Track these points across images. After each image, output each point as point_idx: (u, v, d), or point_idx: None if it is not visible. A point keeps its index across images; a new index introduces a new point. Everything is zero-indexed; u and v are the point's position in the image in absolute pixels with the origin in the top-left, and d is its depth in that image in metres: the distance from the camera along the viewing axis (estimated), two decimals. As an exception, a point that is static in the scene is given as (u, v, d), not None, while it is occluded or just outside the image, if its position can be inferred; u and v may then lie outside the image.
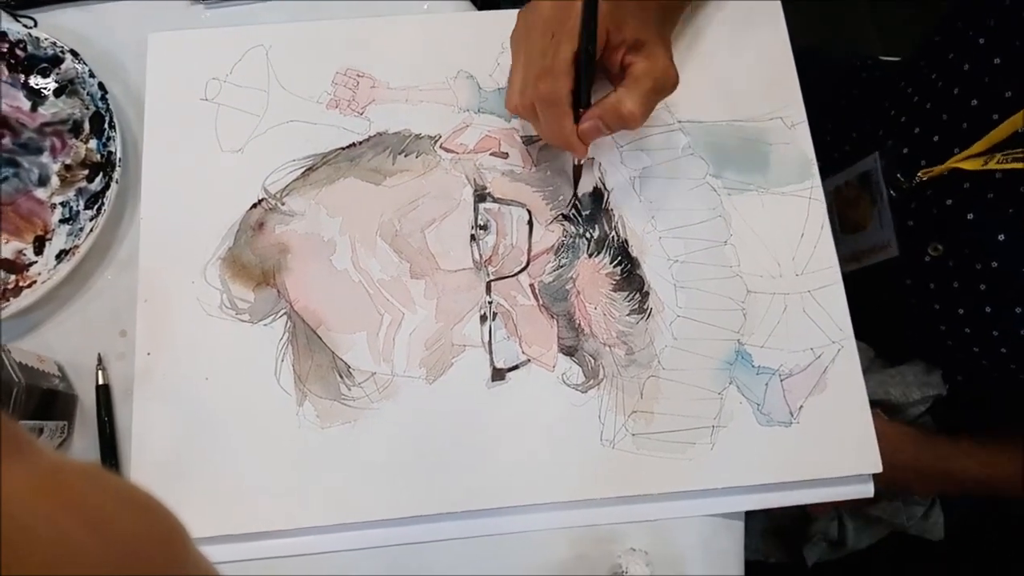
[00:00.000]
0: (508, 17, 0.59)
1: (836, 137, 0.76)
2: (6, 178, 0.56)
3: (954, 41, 0.59)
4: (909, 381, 0.67)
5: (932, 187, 0.59)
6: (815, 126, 0.56)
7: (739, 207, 0.54)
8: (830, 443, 0.50)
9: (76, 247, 0.53)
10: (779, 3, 0.60)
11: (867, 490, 0.50)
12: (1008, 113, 0.53)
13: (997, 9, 0.55)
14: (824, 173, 0.56)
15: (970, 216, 0.56)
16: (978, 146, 0.54)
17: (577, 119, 0.48)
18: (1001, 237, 0.54)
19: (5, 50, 0.56)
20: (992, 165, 0.52)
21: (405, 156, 0.55)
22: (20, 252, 0.54)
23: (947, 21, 0.61)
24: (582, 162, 0.52)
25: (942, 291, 0.60)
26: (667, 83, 0.48)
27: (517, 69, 0.49)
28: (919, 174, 0.59)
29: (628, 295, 0.53)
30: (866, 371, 0.69)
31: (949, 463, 0.65)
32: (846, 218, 0.69)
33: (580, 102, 0.47)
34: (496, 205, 0.54)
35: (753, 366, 0.51)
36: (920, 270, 0.61)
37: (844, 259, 0.55)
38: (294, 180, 0.54)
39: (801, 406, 0.51)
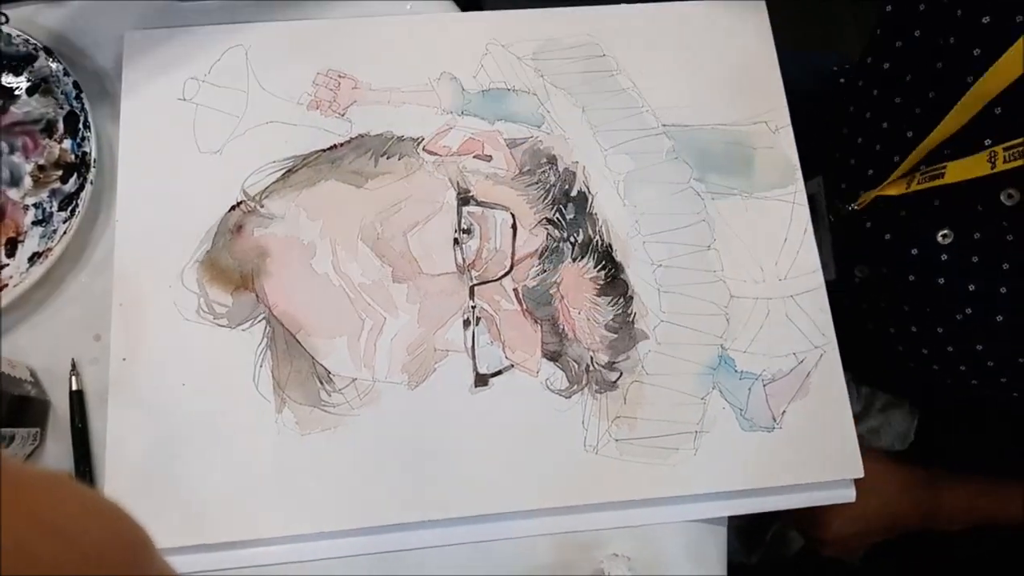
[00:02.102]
0: (492, 18, 0.59)
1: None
2: (-23, 178, 0.54)
3: (875, 71, 0.60)
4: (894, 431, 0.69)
5: (862, 213, 0.60)
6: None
7: (723, 211, 0.54)
8: (812, 448, 0.50)
9: (49, 249, 0.51)
10: (764, 6, 0.60)
11: (849, 495, 0.51)
12: (922, 129, 0.54)
13: (909, 38, 0.56)
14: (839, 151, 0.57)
15: (887, 236, 0.57)
16: (900, 170, 0.55)
17: None
18: (914, 251, 0.55)
19: (-24, 47, 0.55)
20: (914, 187, 0.54)
21: (387, 158, 0.54)
22: (-9, 254, 0.53)
23: (869, 47, 0.62)
24: None
25: (872, 311, 0.62)
26: None
27: None
28: (854, 205, 0.60)
29: (612, 300, 0.52)
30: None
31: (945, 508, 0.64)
32: None
33: None
34: (479, 208, 0.53)
35: (736, 371, 0.51)
36: (852, 291, 0.62)
37: None
38: (274, 182, 0.53)
39: (784, 411, 0.51)
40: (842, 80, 0.78)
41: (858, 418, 0.71)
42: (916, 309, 0.57)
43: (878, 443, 0.72)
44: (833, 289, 0.54)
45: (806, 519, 0.66)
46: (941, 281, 0.54)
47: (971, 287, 0.52)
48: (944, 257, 0.54)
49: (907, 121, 0.56)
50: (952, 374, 0.59)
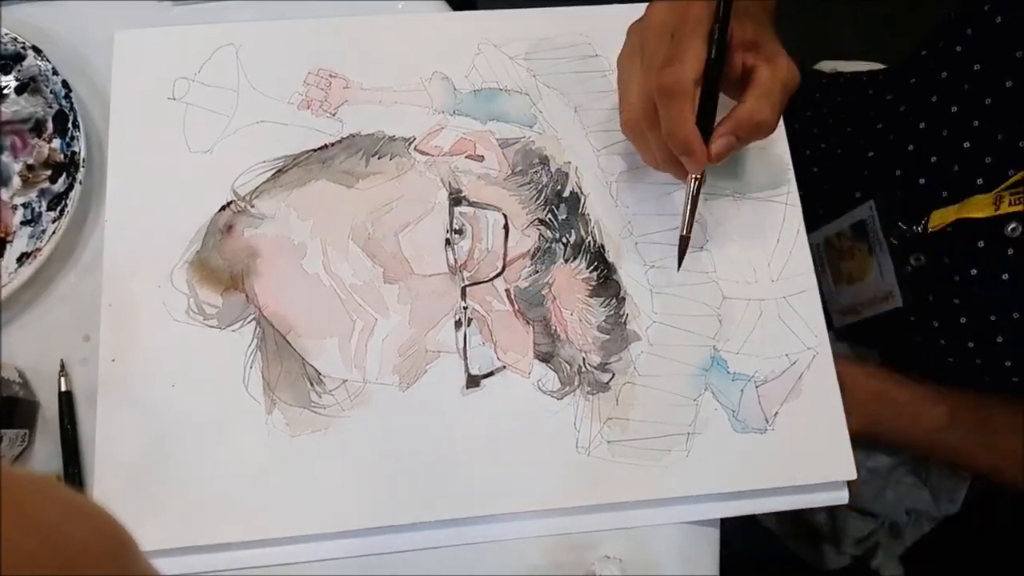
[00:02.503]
0: (484, 18, 0.58)
1: (821, 181, 0.72)
2: (-35, 178, 0.54)
3: (937, 82, 0.57)
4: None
5: (931, 240, 0.57)
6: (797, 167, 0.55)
7: (715, 212, 0.54)
8: (805, 450, 0.50)
9: (38, 250, 0.51)
10: (756, 7, 0.60)
11: (842, 496, 0.50)
12: (1003, 152, 0.52)
13: (981, 50, 0.54)
14: (811, 226, 0.54)
15: (948, 228, 0.54)
16: (986, 196, 0.52)
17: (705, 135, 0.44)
18: (980, 243, 0.53)
19: (-36, 46, 0.55)
20: (1004, 209, 0.51)
21: (378, 158, 0.54)
22: (-21, 255, 0.53)
23: (924, 59, 0.59)
24: (697, 178, 0.47)
25: (919, 304, 0.59)
26: (794, 85, 0.45)
27: (633, 78, 0.46)
28: (932, 226, 0.56)
29: (604, 300, 0.52)
30: None
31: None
32: (839, 270, 0.66)
33: (705, 112, 0.44)
34: (471, 209, 0.53)
35: (728, 372, 0.51)
36: (923, 314, 0.59)
37: (841, 311, 0.53)
38: (264, 182, 0.53)
39: (776, 413, 0.50)
40: (821, 86, 0.76)
41: None
42: (971, 303, 0.54)
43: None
44: (899, 315, 0.50)
45: None
46: (1005, 277, 0.52)
47: None
48: (1011, 251, 0.52)
49: (989, 144, 0.53)
50: (993, 370, 0.56)
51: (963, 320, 0.56)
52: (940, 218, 0.55)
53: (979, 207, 0.52)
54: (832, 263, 0.67)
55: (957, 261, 0.55)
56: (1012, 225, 0.51)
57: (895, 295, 0.57)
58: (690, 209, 0.48)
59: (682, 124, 0.44)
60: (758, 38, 0.45)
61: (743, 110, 0.45)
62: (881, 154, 0.64)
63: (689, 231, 0.49)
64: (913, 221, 0.57)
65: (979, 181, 0.54)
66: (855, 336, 0.52)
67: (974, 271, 0.54)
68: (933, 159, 0.58)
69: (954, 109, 0.56)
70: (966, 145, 0.55)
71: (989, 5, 0.53)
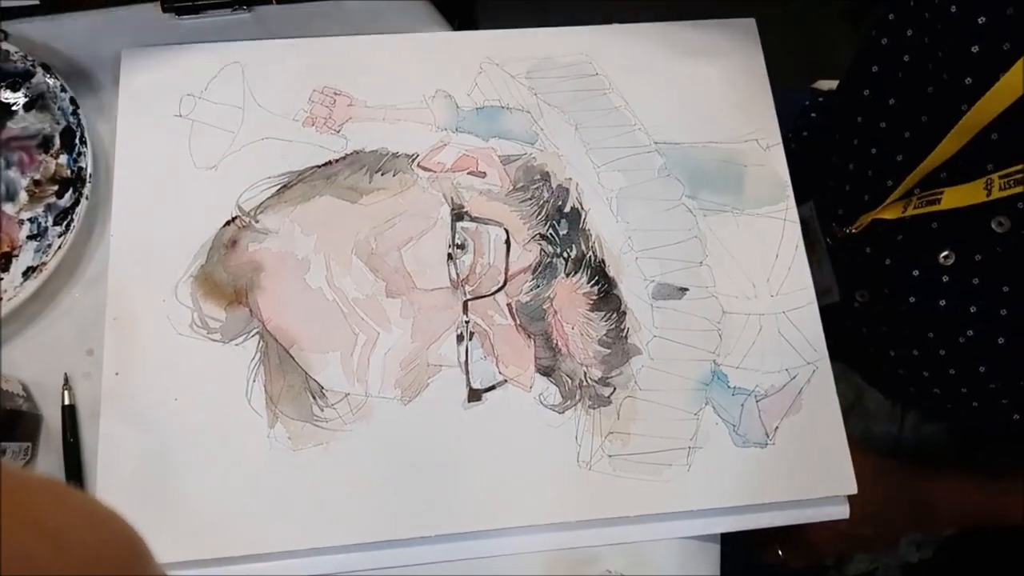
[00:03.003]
0: (486, 37, 0.59)
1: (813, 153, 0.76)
2: (-28, 193, 0.54)
3: (857, 97, 0.60)
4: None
5: (860, 237, 0.60)
6: None
7: (714, 228, 0.55)
8: (806, 464, 0.50)
9: (44, 264, 0.52)
10: (755, 26, 0.61)
11: (842, 511, 0.51)
12: (912, 157, 0.54)
13: (884, 60, 0.56)
14: (811, 184, 0.56)
15: (887, 261, 0.57)
16: (895, 194, 0.55)
17: None
18: (916, 272, 0.55)
19: (-26, 63, 0.56)
20: (910, 211, 0.53)
21: (382, 174, 0.55)
22: (-15, 269, 0.53)
23: (851, 74, 0.62)
24: None
25: (874, 335, 0.62)
26: None
27: None
28: (849, 228, 0.60)
29: (605, 315, 0.52)
30: (861, 398, 0.70)
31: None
32: None
33: None
34: (473, 224, 0.54)
35: (729, 387, 0.51)
36: (853, 315, 0.62)
37: None
38: (269, 198, 0.53)
39: (777, 427, 0.51)
40: (819, 105, 0.78)
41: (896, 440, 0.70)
42: (917, 332, 0.57)
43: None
44: (837, 313, 0.53)
45: (774, 535, 0.65)
46: (943, 303, 0.54)
47: (972, 309, 0.52)
48: (945, 279, 0.53)
49: (897, 146, 0.56)
50: (953, 398, 0.59)
51: (884, 328, 0.59)
52: (862, 219, 0.58)
53: (892, 210, 0.55)
54: None
55: (895, 290, 0.57)
56: (944, 253, 0.53)
57: (833, 290, 0.60)
58: None
59: None
60: None
61: None
62: (830, 162, 0.66)
63: None
64: (845, 224, 0.60)
65: (888, 182, 0.56)
66: None
67: (912, 299, 0.56)
68: (851, 167, 0.61)
69: (873, 151, 0.59)
70: (873, 152, 0.58)
71: (887, 40, 0.55)
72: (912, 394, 0.62)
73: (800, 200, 0.57)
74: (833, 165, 0.64)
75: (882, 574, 0.73)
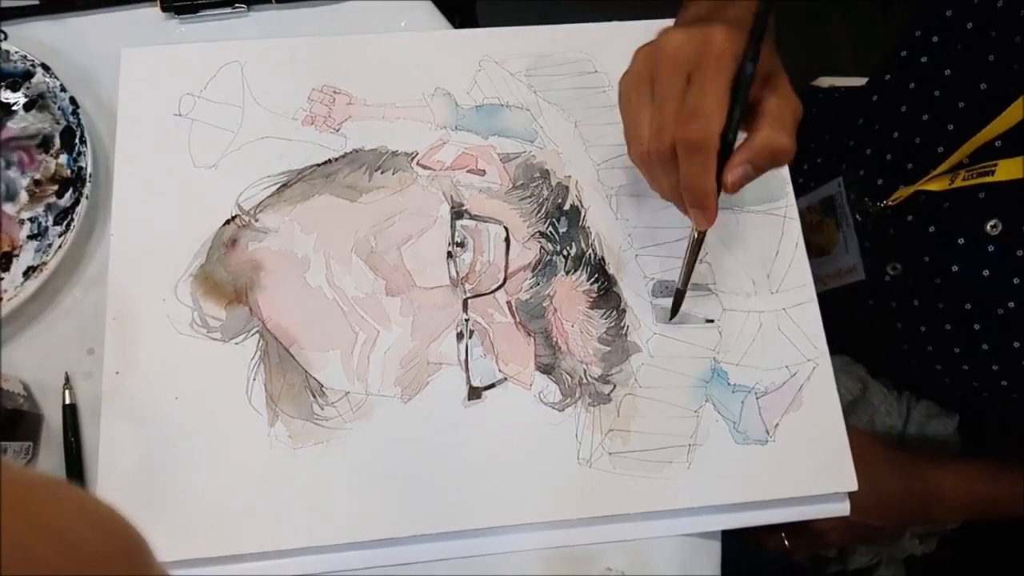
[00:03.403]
0: (485, 35, 0.59)
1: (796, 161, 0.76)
2: (-27, 193, 0.55)
3: (907, 66, 0.59)
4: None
5: (894, 209, 0.59)
6: None
7: (715, 225, 0.54)
8: (806, 461, 0.50)
9: (44, 264, 0.52)
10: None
11: (843, 508, 0.50)
12: (964, 126, 0.53)
13: (945, 29, 0.56)
14: (809, 176, 0.55)
15: (931, 229, 0.57)
16: (947, 164, 0.54)
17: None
18: (960, 241, 0.54)
19: (-26, 63, 0.56)
20: (959, 183, 0.52)
21: (381, 173, 0.55)
22: (-14, 268, 0.53)
23: (901, 46, 0.61)
24: (701, 232, 0.46)
25: (903, 310, 0.61)
26: (800, 113, 0.43)
27: (643, 110, 0.42)
28: (889, 200, 0.58)
29: (605, 312, 0.52)
30: (865, 391, 0.70)
31: (940, 483, 0.62)
32: (809, 242, 0.68)
33: (725, 147, 0.41)
34: (473, 222, 0.54)
35: (729, 384, 0.51)
36: (882, 290, 0.61)
37: None
38: (268, 196, 0.53)
39: (777, 424, 0.51)
40: (818, 101, 0.78)
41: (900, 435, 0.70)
42: (954, 304, 0.56)
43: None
44: (859, 293, 0.52)
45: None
46: (986, 273, 0.53)
47: (1016, 280, 0.52)
48: (991, 248, 0.53)
49: (950, 114, 0.55)
50: (982, 376, 0.58)
51: (916, 303, 0.58)
52: (901, 192, 0.57)
53: (936, 182, 0.54)
54: (804, 235, 0.68)
55: (937, 257, 0.56)
56: (992, 222, 0.52)
57: (858, 268, 0.59)
58: (688, 262, 0.47)
59: (704, 179, 0.41)
60: (770, 71, 0.43)
61: (759, 139, 0.42)
62: (852, 144, 0.66)
63: (685, 285, 0.48)
64: (878, 198, 0.59)
65: (940, 149, 0.55)
66: (822, 307, 0.54)
67: (955, 267, 0.55)
68: (895, 135, 0.60)
69: (925, 117, 0.58)
70: (924, 118, 0.57)
71: (952, 11, 0.55)
72: (929, 378, 0.61)
73: (826, 178, 0.55)
74: (874, 134, 0.62)
75: (884, 567, 0.73)
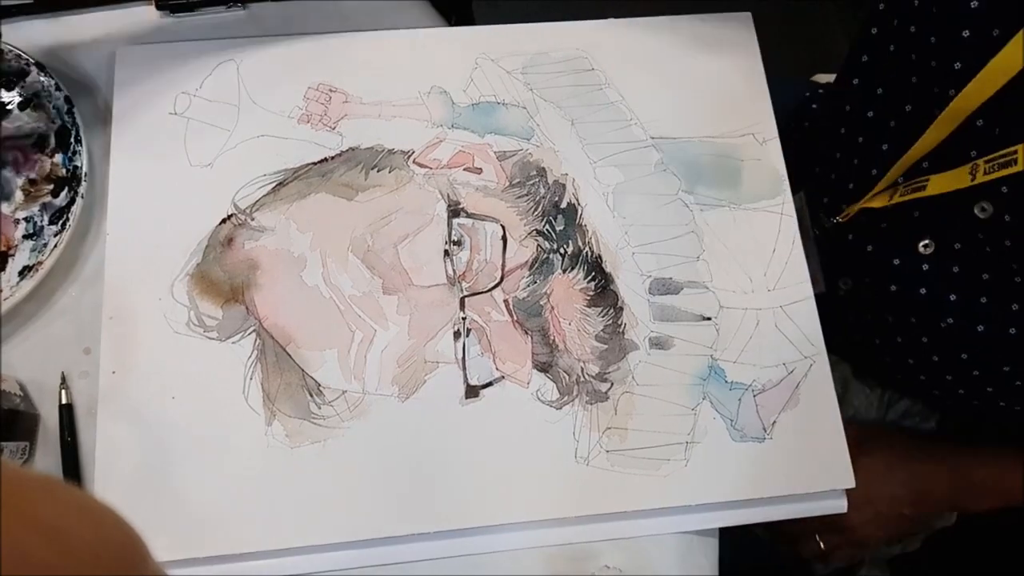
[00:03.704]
0: (482, 33, 0.59)
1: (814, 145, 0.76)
2: (-32, 193, 0.54)
3: (846, 86, 0.60)
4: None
5: (844, 225, 0.60)
6: None
7: (711, 223, 0.55)
8: (803, 458, 0.50)
9: (40, 263, 0.51)
10: (751, 20, 0.60)
11: (840, 505, 0.51)
12: (896, 147, 0.54)
13: (873, 48, 0.57)
14: (808, 175, 0.56)
15: (869, 248, 0.58)
16: (882, 183, 0.55)
17: None
18: (896, 262, 0.55)
19: (-32, 62, 0.55)
20: (896, 199, 0.54)
21: (378, 171, 0.54)
22: (-19, 268, 0.53)
23: (843, 64, 0.62)
24: None
25: (858, 323, 0.62)
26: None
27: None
28: (837, 217, 0.60)
29: (602, 311, 0.52)
30: (847, 390, 0.70)
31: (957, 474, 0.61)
32: None
33: None
34: (470, 220, 0.54)
35: (726, 382, 0.51)
36: (836, 303, 0.62)
37: None
38: (264, 195, 0.53)
39: (774, 421, 0.51)
40: (819, 96, 0.78)
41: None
42: (900, 319, 0.57)
43: None
44: (821, 303, 0.54)
45: (808, 523, 0.64)
46: (923, 291, 0.54)
47: (952, 297, 0.53)
48: (925, 267, 0.54)
49: (882, 135, 0.56)
50: (940, 384, 0.59)
51: (868, 317, 0.60)
52: (848, 209, 0.59)
53: (878, 199, 0.55)
54: None
55: (876, 278, 0.58)
56: (924, 242, 0.54)
57: (819, 281, 0.60)
58: None
59: None
60: None
61: None
62: (820, 152, 0.66)
63: None
64: (831, 214, 0.61)
65: (873, 171, 0.56)
66: None
67: (893, 287, 0.56)
68: (838, 156, 0.61)
69: (860, 139, 0.59)
70: (860, 140, 0.58)
71: (899, 20, 0.55)
72: (901, 382, 0.62)
73: (792, 191, 0.57)
74: (822, 155, 0.65)
75: (868, 567, 0.73)
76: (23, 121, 0.56)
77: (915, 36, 0.52)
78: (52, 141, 0.55)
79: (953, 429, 0.70)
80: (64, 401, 0.51)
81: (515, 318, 0.52)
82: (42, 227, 0.54)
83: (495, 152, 0.56)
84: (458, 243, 0.53)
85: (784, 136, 0.57)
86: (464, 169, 0.55)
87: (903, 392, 0.69)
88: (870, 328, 0.61)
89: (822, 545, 0.65)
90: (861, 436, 0.54)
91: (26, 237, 0.54)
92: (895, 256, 0.55)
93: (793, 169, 0.57)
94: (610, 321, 0.52)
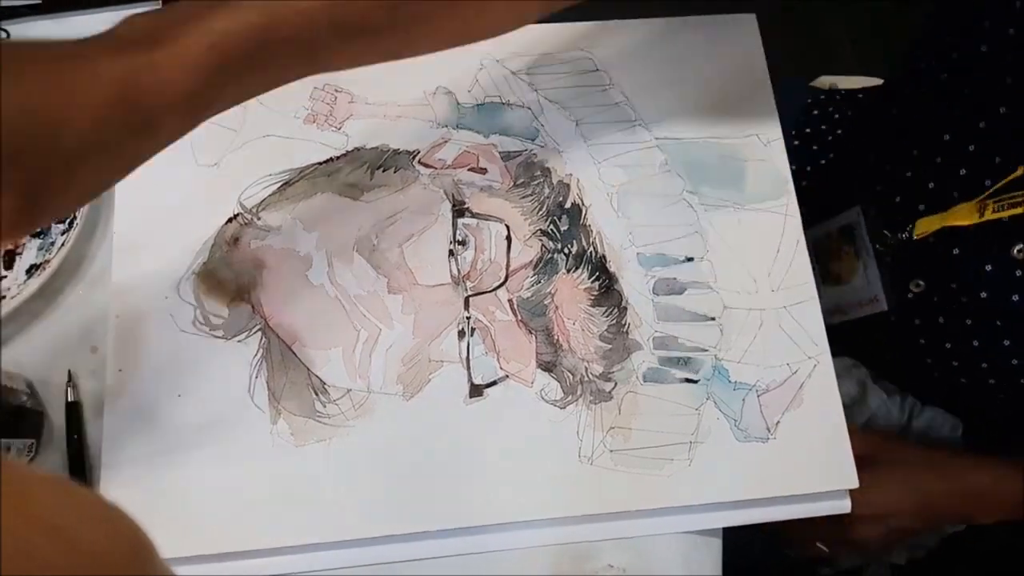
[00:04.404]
0: (486, 34, 0.59)
1: (810, 183, 0.75)
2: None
3: (917, 94, 0.59)
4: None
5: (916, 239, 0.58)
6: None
7: (715, 223, 0.55)
8: (807, 459, 0.50)
9: (47, 262, 0.52)
10: (755, 21, 0.61)
11: (844, 506, 0.50)
12: (985, 149, 0.53)
13: (961, 50, 0.55)
14: (803, 225, 0.55)
15: (956, 251, 0.56)
16: (966, 206, 0.54)
17: None
18: (988, 268, 0.54)
19: (-24, 62, 0.56)
20: (988, 215, 0.52)
21: (383, 171, 0.55)
22: (-11, 267, 0.53)
23: (907, 73, 0.61)
24: None
25: (927, 326, 0.60)
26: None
27: None
28: (913, 235, 0.57)
29: (606, 310, 0.53)
30: (864, 394, 0.70)
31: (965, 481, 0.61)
32: (827, 269, 0.67)
33: None
34: (475, 220, 0.54)
35: (730, 382, 0.51)
36: (904, 307, 0.60)
37: (828, 311, 0.54)
38: (270, 195, 0.53)
39: (778, 422, 0.51)
40: (828, 108, 0.77)
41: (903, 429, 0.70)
42: (982, 322, 0.55)
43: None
44: (880, 315, 0.51)
45: (814, 530, 0.63)
46: (1016, 299, 0.52)
47: None
48: (1019, 273, 0.52)
49: (970, 135, 0.54)
50: (1009, 387, 0.57)
51: (941, 320, 0.57)
52: (925, 226, 0.56)
53: (963, 215, 0.53)
54: (822, 262, 0.68)
55: (963, 284, 0.56)
56: (1019, 247, 0.52)
57: (880, 299, 0.58)
58: None
59: None
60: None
61: None
62: (870, 164, 0.65)
63: None
64: (898, 229, 0.59)
65: (955, 194, 0.55)
66: (838, 339, 0.53)
67: (984, 294, 0.54)
68: (908, 174, 0.59)
69: (946, 137, 0.57)
70: (938, 160, 0.56)
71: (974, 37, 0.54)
72: (962, 386, 0.60)
73: (844, 206, 0.55)
74: (884, 172, 0.62)
75: (873, 571, 0.73)
76: (31, 121, 0.56)
77: (1009, 39, 0.51)
78: (59, 140, 0.55)
79: (976, 440, 0.69)
80: (71, 399, 0.51)
81: (519, 317, 0.52)
82: (49, 226, 0.54)
83: (500, 152, 0.56)
84: (463, 243, 0.53)
85: (786, 141, 0.57)
86: (469, 169, 0.55)
87: (932, 399, 0.68)
88: (942, 332, 0.59)
89: (825, 549, 0.65)
90: (871, 449, 0.54)
91: (33, 236, 0.54)
92: (987, 262, 0.54)
93: (842, 181, 0.55)
94: (614, 321, 0.52)
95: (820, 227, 0.68)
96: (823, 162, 0.75)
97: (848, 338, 0.53)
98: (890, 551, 0.68)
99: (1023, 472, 0.60)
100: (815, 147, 0.76)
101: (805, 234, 0.54)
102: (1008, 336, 0.55)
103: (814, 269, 0.62)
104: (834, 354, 0.51)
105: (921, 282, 0.60)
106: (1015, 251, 0.52)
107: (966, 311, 0.56)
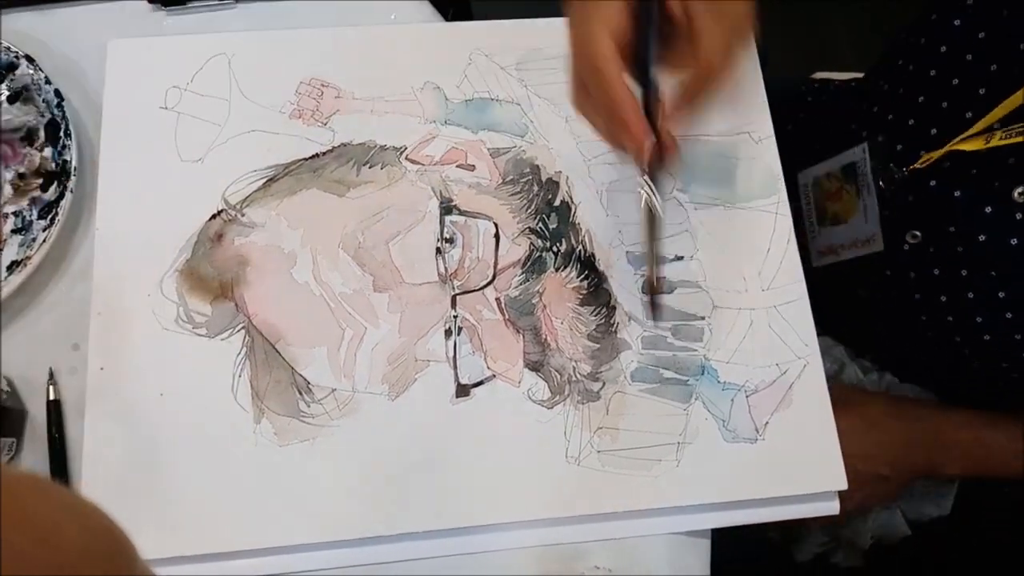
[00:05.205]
0: (475, 28, 0.59)
1: (809, 135, 0.74)
2: (-44, 186, 0.54)
3: (944, 27, 0.57)
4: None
5: (919, 175, 0.57)
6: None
7: (705, 222, 0.54)
8: (795, 460, 0.50)
9: (28, 258, 0.51)
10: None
11: (832, 507, 0.50)
12: (995, 88, 0.52)
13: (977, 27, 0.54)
14: (803, 164, 0.53)
15: (956, 194, 0.55)
16: (977, 127, 0.52)
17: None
18: (988, 209, 0.53)
19: (-43, 55, 0.55)
20: (995, 142, 0.50)
21: (370, 167, 0.54)
22: (-31, 263, 0.53)
23: (934, 4, 0.59)
24: (649, 184, 0.41)
25: (922, 279, 0.59)
26: (746, 27, 0.38)
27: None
28: (919, 163, 0.56)
29: (595, 309, 0.52)
30: (841, 371, 0.70)
31: (941, 436, 0.61)
32: (825, 210, 0.66)
33: (641, 65, 0.37)
34: (462, 218, 0.53)
35: (719, 382, 0.51)
36: (899, 259, 0.60)
37: (820, 252, 0.53)
38: (255, 191, 0.53)
39: (767, 422, 0.50)
40: (811, 99, 0.77)
41: None
42: (977, 272, 0.55)
43: None
44: (874, 264, 0.50)
45: None
46: (1014, 242, 0.52)
47: None
48: (1019, 216, 0.51)
49: (981, 78, 0.53)
50: (1002, 344, 0.56)
51: (936, 272, 0.57)
52: (933, 154, 0.55)
53: (971, 142, 0.52)
54: (818, 203, 0.67)
55: (962, 227, 0.55)
56: (1019, 189, 0.51)
57: (877, 238, 0.57)
58: (647, 239, 0.44)
59: (608, 92, 0.38)
60: None
61: (682, 52, 0.38)
62: (883, 91, 0.64)
63: (653, 272, 0.45)
64: (904, 163, 0.57)
65: (968, 114, 0.53)
66: (832, 278, 0.51)
67: (982, 237, 0.53)
68: (921, 99, 0.58)
69: (955, 81, 0.55)
70: (955, 82, 0.55)
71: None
72: (955, 344, 0.60)
73: (848, 144, 0.53)
74: (899, 100, 0.61)
75: (844, 555, 0.73)
76: (12, 115, 0.55)
77: None
78: (42, 135, 0.55)
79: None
80: (52, 397, 0.50)
81: (507, 316, 0.51)
82: (31, 222, 0.53)
83: (488, 149, 0.55)
84: (450, 240, 0.53)
85: (780, 130, 0.56)
86: (457, 166, 0.55)
87: (903, 378, 0.68)
88: (936, 284, 0.58)
89: None
90: (840, 395, 0.53)
91: (15, 232, 0.53)
92: (987, 203, 0.52)
93: (846, 120, 0.53)
94: (602, 320, 0.52)
95: (821, 166, 0.67)
96: (817, 146, 0.75)
97: (839, 284, 0.51)
98: (863, 503, 0.67)
99: (991, 422, 0.59)
100: (808, 135, 0.76)
101: (804, 174, 0.53)
102: (1003, 287, 0.54)
103: (809, 209, 0.61)
104: (816, 301, 0.51)
105: (918, 233, 0.59)
106: (1016, 193, 0.51)
107: (962, 260, 0.56)
